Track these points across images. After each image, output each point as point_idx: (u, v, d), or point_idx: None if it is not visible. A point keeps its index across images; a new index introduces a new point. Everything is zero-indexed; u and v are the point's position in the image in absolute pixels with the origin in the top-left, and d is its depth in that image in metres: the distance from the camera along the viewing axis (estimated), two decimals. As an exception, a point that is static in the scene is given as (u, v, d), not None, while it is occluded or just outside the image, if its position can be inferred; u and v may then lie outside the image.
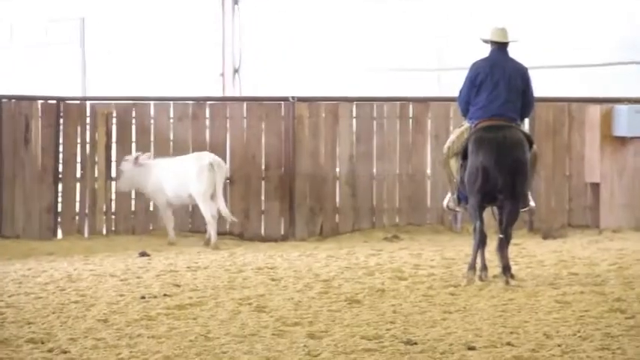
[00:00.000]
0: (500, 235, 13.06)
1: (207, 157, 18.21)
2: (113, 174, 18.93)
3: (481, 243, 13.09)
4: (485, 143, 13.03)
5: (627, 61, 19.83)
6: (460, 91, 13.47)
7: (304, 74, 20.71)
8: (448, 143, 13.58)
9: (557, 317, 11.01)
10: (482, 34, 13.68)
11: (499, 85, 13.23)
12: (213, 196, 18.00)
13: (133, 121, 19.13)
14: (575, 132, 19.73)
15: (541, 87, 20.07)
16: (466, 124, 13.43)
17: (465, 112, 13.46)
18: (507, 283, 12.80)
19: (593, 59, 20.77)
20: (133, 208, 19.10)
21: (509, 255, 13.17)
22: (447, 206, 13.92)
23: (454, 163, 13.38)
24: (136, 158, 17.96)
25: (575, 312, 11.28)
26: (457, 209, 13.89)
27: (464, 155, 13.16)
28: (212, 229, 17.81)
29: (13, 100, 18.83)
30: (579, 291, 12.64)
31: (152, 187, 18.17)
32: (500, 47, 13.48)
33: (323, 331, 10.31)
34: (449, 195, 13.73)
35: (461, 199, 13.45)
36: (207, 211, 17.86)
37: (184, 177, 18.07)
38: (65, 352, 9.38)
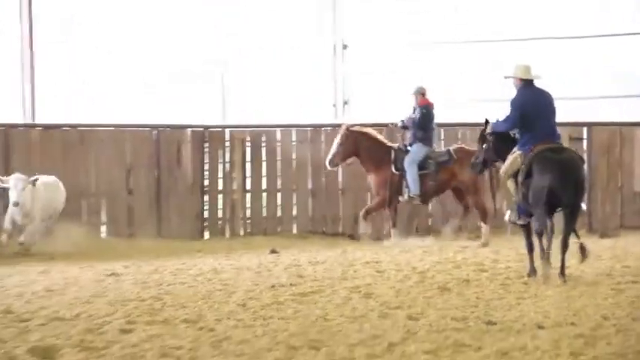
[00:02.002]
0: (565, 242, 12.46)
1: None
2: (248, 187, 19.07)
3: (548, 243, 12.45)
4: (551, 164, 12.41)
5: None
6: (507, 120, 12.76)
7: (400, 104, 20.71)
8: (504, 168, 12.82)
9: (613, 302, 10.88)
10: (508, 72, 12.98)
11: (542, 112, 12.76)
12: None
13: (263, 144, 19.28)
14: (626, 150, 19.59)
15: (598, 113, 20.14)
16: (518, 151, 12.69)
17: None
18: (564, 281, 12.47)
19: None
20: (264, 214, 19.24)
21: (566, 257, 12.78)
22: (509, 220, 13.11)
23: (511, 184, 12.77)
24: (35, 180, 16.41)
25: (627, 297, 11.14)
26: (518, 222, 12.97)
27: (527, 174, 12.43)
28: None
29: (168, 129, 19.07)
30: (631, 280, 12.48)
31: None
32: (527, 82, 12.88)
33: (419, 313, 10.28)
34: (509, 211, 13.04)
35: (520, 213, 12.75)
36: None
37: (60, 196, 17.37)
38: (212, 330, 9.44)
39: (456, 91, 20.65)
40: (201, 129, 19.21)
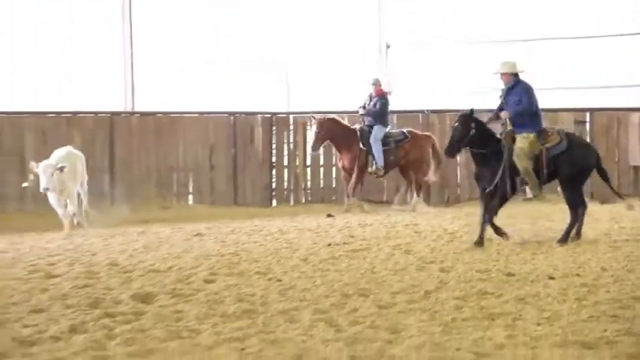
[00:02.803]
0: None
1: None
2: (308, 163, 19.07)
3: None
4: (592, 149, 12.36)
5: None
6: (530, 104, 12.00)
7: (436, 94, 20.64)
8: (524, 150, 11.89)
9: (611, 256, 10.81)
10: (497, 69, 12.22)
11: (536, 99, 12.23)
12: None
13: (321, 127, 19.28)
14: (622, 131, 19.50)
15: (599, 101, 20.09)
16: (531, 134, 11.98)
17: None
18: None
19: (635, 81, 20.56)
20: (322, 185, 19.26)
21: None
22: (534, 196, 12.22)
23: (530, 163, 11.91)
24: (62, 167, 14.29)
25: (623, 253, 11.06)
26: (538, 195, 12.19)
27: (561, 153, 11.94)
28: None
29: (243, 115, 19.13)
30: (626, 239, 12.38)
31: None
32: (516, 75, 12.20)
33: (450, 266, 10.27)
34: (527, 187, 12.16)
35: (541, 187, 12.08)
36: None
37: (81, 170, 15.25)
38: (279, 280, 9.49)
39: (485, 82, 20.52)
40: (270, 115, 19.24)
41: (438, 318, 7.58)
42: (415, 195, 17.65)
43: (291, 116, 19.47)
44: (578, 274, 9.59)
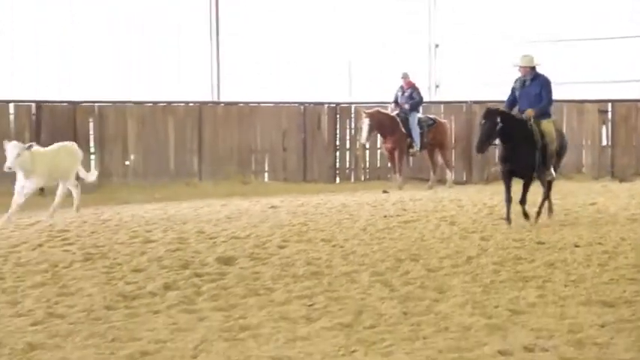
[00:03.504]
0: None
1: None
2: (367, 146, 18.98)
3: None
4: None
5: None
6: (550, 99, 11.32)
7: (478, 86, 20.44)
8: (553, 134, 11.28)
9: (629, 228, 10.66)
10: (517, 62, 11.45)
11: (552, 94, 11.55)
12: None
13: (379, 116, 19.21)
14: (639, 119, 19.42)
15: (621, 92, 19.88)
16: (551, 120, 11.42)
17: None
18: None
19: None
20: (378, 165, 19.23)
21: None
22: (554, 177, 11.65)
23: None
24: (30, 146, 12.34)
25: (640, 225, 10.94)
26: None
27: (563, 143, 11.63)
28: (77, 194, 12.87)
29: (312, 105, 19.11)
30: (643, 213, 12.23)
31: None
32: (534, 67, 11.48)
33: (489, 235, 10.21)
34: (552, 169, 11.47)
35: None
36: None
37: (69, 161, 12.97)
38: (342, 247, 9.50)
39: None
40: (334, 104, 19.21)
41: (478, 280, 7.55)
42: (449, 172, 17.77)
43: (352, 106, 19.41)
44: (600, 243, 9.47)
